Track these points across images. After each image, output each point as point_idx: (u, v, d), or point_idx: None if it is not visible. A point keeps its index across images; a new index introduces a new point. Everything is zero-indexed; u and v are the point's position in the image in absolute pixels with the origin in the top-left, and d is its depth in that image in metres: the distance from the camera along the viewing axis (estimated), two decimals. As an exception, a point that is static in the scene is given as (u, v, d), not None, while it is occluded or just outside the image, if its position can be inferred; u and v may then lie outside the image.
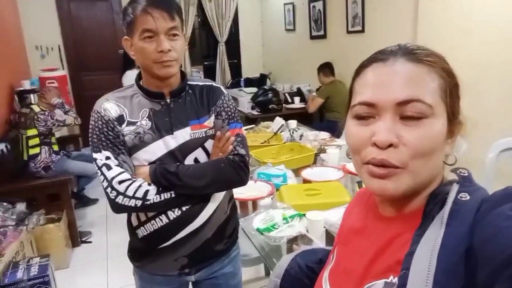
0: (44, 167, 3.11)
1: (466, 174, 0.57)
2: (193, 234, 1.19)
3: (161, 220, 1.17)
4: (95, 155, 1.11)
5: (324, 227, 1.38)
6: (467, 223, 0.48)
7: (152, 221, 1.17)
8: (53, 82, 4.34)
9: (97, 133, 1.11)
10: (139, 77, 1.20)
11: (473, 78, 2.62)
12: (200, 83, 1.25)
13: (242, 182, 1.21)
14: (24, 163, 3.13)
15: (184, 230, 1.18)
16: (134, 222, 1.22)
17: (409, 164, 0.52)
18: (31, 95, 3.95)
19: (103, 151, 1.10)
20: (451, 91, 0.55)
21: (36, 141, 3.13)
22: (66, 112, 3.36)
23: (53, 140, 3.30)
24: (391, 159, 0.52)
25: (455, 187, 0.54)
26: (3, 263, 1.96)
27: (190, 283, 1.34)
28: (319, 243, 1.33)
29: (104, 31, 5.52)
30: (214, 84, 1.27)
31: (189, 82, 1.22)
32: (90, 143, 1.13)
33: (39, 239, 2.58)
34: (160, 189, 1.10)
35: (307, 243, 1.34)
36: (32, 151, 3.12)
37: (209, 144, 1.20)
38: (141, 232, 1.20)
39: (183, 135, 1.16)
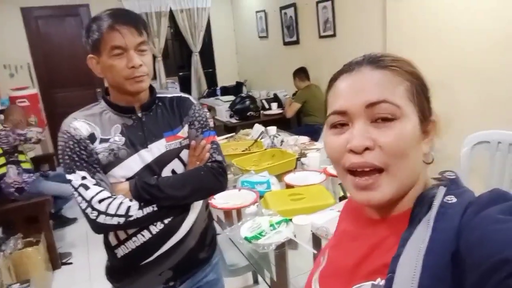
0: (17, 189, 3.01)
1: (454, 177, 0.57)
2: (177, 245, 1.18)
3: (143, 235, 1.15)
4: (69, 177, 1.07)
5: (311, 230, 1.39)
6: (453, 227, 0.48)
7: (134, 238, 1.15)
8: (24, 101, 4.24)
9: (69, 153, 1.08)
10: (105, 93, 1.18)
11: (445, 78, 2.72)
12: (169, 95, 1.25)
13: (222, 188, 1.24)
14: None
15: (168, 242, 1.17)
16: (113, 241, 1.18)
17: (389, 164, 0.53)
18: (1, 116, 3.84)
19: (77, 171, 1.07)
20: (418, 92, 0.56)
21: (2, 160, 3.05)
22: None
23: (22, 158, 3.20)
24: (371, 160, 0.53)
25: (441, 190, 0.54)
26: (-20, 293, 1.88)
27: None
28: (307, 247, 1.35)
29: (74, 46, 5.40)
30: (183, 95, 1.28)
31: (158, 95, 1.22)
32: (62, 164, 1.09)
33: (18, 264, 2.48)
34: (142, 204, 1.09)
35: (294, 248, 1.35)
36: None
37: (184, 154, 1.20)
38: (121, 251, 1.17)
39: (158, 147, 1.15)
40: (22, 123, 3.37)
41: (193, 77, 6.19)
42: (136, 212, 1.07)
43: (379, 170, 0.53)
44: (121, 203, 1.07)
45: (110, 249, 1.20)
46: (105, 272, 1.28)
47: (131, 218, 1.07)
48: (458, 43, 2.69)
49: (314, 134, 3.37)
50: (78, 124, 1.10)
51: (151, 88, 1.21)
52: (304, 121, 4.34)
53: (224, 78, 6.37)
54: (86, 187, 1.06)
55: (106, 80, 1.13)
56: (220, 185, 1.21)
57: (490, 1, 2.46)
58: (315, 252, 1.31)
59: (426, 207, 0.53)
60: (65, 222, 3.59)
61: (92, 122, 1.12)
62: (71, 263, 3.03)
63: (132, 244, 1.16)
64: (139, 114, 1.16)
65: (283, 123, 4.14)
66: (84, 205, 1.05)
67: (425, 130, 0.56)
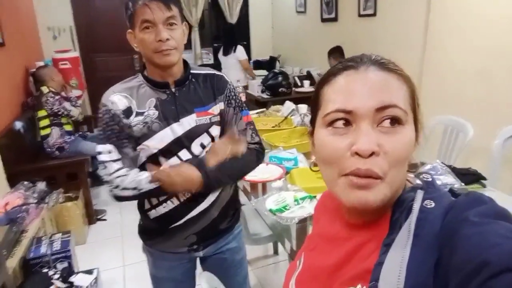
0: (58, 148, 3.21)
1: (430, 179, 0.56)
2: (202, 214, 1.28)
3: (172, 202, 1.26)
4: (98, 148, 1.19)
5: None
6: (434, 233, 0.48)
7: (164, 204, 1.26)
8: (66, 64, 4.41)
9: (103, 125, 1.19)
10: (143, 68, 1.25)
11: (485, 67, 2.64)
12: (203, 72, 1.29)
13: (259, 165, 1.35)
14: (39, 144, 3.24)
15: (194, 211, 1.27)
16: (146, 205, 1.30)
17: (388, 173, 0.52)
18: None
19: (106, 144, 1.18)
20: (416, 99, 0.56)
21: (47, 122, 3.22)
22: (74, 106, 3.40)
23: (65, 120, 3.35)
24: (375, 169, 0.51)
25: (419, 194, 0.53)
26: (27, 239, 2.08)
27: (198, 258, 1.43)
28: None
29: (115, 13, 5.52)
30: (217, 73, 1.32)
31: (193, 71, 1.27)
32: (95, 134, 1.20)
33: (58, 216, 2.70)
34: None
35: None
36: (43, 132, 3.22)
37: (213, 129, 1.26)
38: (153, 214, 1.29)
39: (189, 122, 1.21)
40: (65, 85, 3.53)
41: (221, 53, 6.19)
42: (145, 185, 1.17)
43: (376, 177, 0.52)
44: (133, 179, 1.16)
45: (143, 211, 1.32)
46: (138, 230, 1.40)
47: (142, 191, 1.17)
48: (502, 34, 2.58)
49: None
50: (116, 97, 1.18)
51: (186, 64, 1.26)
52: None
53: (258, 52, 6.35)
54: (109, 162, 1.17)
55: (141, 54, 1.20)
56: (259, 164, 1.34)
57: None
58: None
59: (405, 212, 0.52)
60: (101, 180, 3.80)
61: (130, 95, 1.20)
62: (105, 220, 3.25)
63: (162, 209, 1.27)
64: (173, 89, 1.22)
65: (314, 102, 4.13)
66: (106, 177, 1.17)
67: (416, 137, 0.56)
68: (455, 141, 2.30)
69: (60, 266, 2.08)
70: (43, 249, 2.05)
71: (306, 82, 4.68)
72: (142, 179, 1.17)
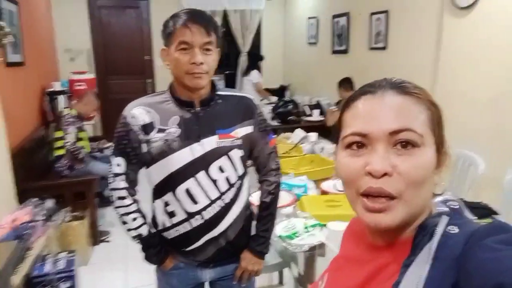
0: (69, 167, 3.23)
1: (457, 207, 0.57)
2: (213, 240, 1.27)
3: (184, 227, 1.25)
4: (110, 157, 1.24)
5: (344, 238, 1.43)
6: (454, 257, 0.48)
7: (176, 228, 1.27)
8: (81, 85, 4.51)
9: (117, 138, 1.21)
10: (171, 85, 1.26)
11: (494, 100, 2.65)
12: (231, 93, 1.31)
13: None
14: (49, 162, 3.26)
15: (205, 236, 1.26)
16: (159, 226, 1.31)
17: (404, 193, 0.52)
18: (61, 96, 4.13)
19: (117, 157, 1.22)
20: (438, 122, 0.57)
21: (61, 143, 3.21)
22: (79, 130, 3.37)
23: (80, 144, 3.33)
24: (388, 188, 0.52)
25: (444, 219, 0.54)
26: (32, 256, 2.06)
27: (207, 284, 1.41)
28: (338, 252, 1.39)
29: (132, 37, 5.71)
30: (246, 95, 1.33)
31: (219, 92, 1.27)
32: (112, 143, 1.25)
33: (63, 235, 2.69)
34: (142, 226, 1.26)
35: (321, 254, 1.41)
36: (57, 152, 3.24)
37: (234, 153, 1.25)
38: (166, 235, 1.29)
39: (210, 143, 1.21)
40: (88, 114, 3.53)
41: (239, 77, 6.32)
42: (130, 224, 1.25)
43: (392, 197, 0.53)
44: (127, 213, 1.24)
45: (157, 231, 1.32)
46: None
47: (125, 226, 1.26)
48: (509, 66, 2.61)
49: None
50: (138, 111, 1.20)
51: (213, 85, 1.27)
52: (344, 130, 4.33)
53: (269, 80, 6.45)
54: (116, 176, 1.22)
55: (171, 72, 1.21)
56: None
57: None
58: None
59: (428, 235, 0.53)
60: (106, 202, 3.80)
61: (153, 110, 1.20)
62: (108, 241, 3.22)
63: (174, 233, 1.27)
64: (198, 109, 1.22)
65: (323, 131, 4.14)
66: (109, 188, 1.24)
67: (439, 160, 0.57)
68: (466, 173, 2.28)
69: (63, 286, 2.05)
70: (48, 267, 2.03)
71: (316, 112, 4.72)
72: (136, 227, 1.25)
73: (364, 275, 0.59)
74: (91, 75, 4.92)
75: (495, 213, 1.67)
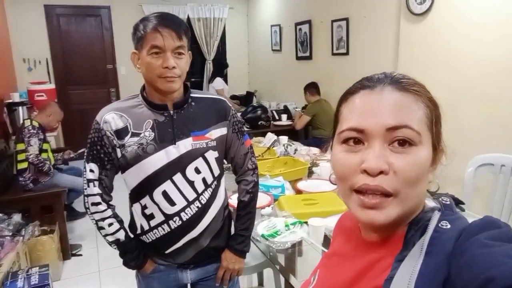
0: (33, 180, 3.10)
1: (448, 202, 0.57)
2: (193, 241, 1.28)
3: (163, 229, 1.26)
4: (84, 164, 1.23)
5: (325, 232, 1.50)
6: (446, 252, 0.49)
7: (155, 231, 1.27)
8: (42, 95, 4.35)
9: (90, 144, 1.21)
10: (143, 89, 1.25)
11: (452, 102, 2.84)
12: (205, 96, 1.31)
13: None
14: (11, 175, 3.11)
15: (185, 237, 1.27)
16: (138, 230, 1.30)
17: (400, 191, 0.52)
18: (20, 108, 3.96)
19: (90, 163, 1.21)
20: (436, 119, 0.57)
21: (24, 156, 3.05)
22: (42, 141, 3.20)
23: (44, 156, 3.19)
24: (384, 185, 0.52)
25: (436, 215, 0.54)
26: (1, 273, 1.97)
27: (189, 285, 1.42)
28: (320, 247, 1.45)
29: (93, 46, 5.58)
30: (219, 97, 1.35)
31: (192, 95, 1.28)
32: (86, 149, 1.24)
33: (32, 251, 2.57)
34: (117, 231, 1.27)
35: (299, 255, 1.47)
36: (20, 166, 3.09)
37: (209, 154, 1.26)
38: (145, 239, 1.30)
39: (185, 145, 1.22)
40: (52, 126, 3.40)
41: (205, 84, 6.34)
42: (106, 230, 1.25)
43: (388, 195, 0.53)
44: (102, 219, 1.24)
45: (135, 235, 1.32)
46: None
47: (101, 231, 1.26)
48: (465, 69, 2.83)
49: (321, 147, 3.49)
50: (110, 116, 1.19)
51: (186, 87, 1.27)
52: (312, 134, 4.46)
53: (236, 87, 6.52)
54: (89, 181, 1.21)
55: (143, 75, 1.21)
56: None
57: (495, 33, 2.61)
58: (326, 250, 1.42)
59: (420, 231, 0.54)
60: (75, 215, 3.68)
61: (126, 114, 1.20)
62: (80, 255, 3.11)
63: (153, 236, 1.28)
64: (171, 112, 1.22)
65: (292, 135, 4.25)
66: (84, 194, 1.24)
67: (434, 158, 0.57)
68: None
69: (37, 302, 1.97)
70: (20, 283, 1.94)
71: (284, 116, 4.83)
72: (113, 233, 1.25)
73: (355, 270, 0.59)
74: (51, 85, 4.75)
75: (462, 202, 1.81)
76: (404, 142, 0.53)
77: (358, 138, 0.55)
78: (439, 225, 0.52)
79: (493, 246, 0.44)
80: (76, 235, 3.39)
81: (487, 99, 2.72)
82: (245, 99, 5.97)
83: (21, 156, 3.09)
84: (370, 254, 0.59)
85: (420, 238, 0.52)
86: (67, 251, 3.02)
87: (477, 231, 0.48)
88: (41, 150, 3.14)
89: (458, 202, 1.77)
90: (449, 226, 0.52)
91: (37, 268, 2.11)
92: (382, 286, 0.51)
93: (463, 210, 1.76)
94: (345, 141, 0.57)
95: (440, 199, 0.58)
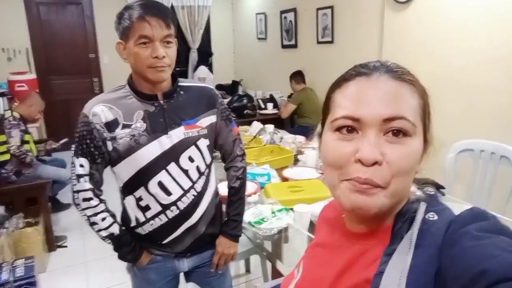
0: (15, 172, 3.05)
1: (433, 193, 0.57)
2: (190, 229, 1.29)
3: (160, 219, 1.25)
4: (73, 159, 1.19)
5: (310, 219, 1.52)
6: (436, 245, 0.49)
7: (151, 221, 1.26)
8: (22, 86, 4.26)
9: (79, 138, 1.17)
10: (130, 79, 1.22)
11: (433, 89, 2.89)
12: (193, 84, 1.30)
13: None
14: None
15: (182, 226, 1.27)
16: (132, 223, 1.28)
17: (391, 183, 0.52)
18: (0, 98, 3.87)
19: (80, 158, 1.18)
20: (428, 111, 0.57)
21: (5, 148, 3.01)
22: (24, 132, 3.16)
23: (27, 147, 3.13)
24: (375, 178, 0.51)
25: (422, 206, 0.54)
26: (-14, 266, 1.95)
27: (182, 274, 1.43)
28: (306, 232, 1.48)
29: (74, 35, 5.46)
30: (206, 85, 1.34)
31: (181, 84, 1.26)
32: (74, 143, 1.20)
33: (17, 243, 2.54)
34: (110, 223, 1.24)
35: (285, 241, 1.49)
36: (1, 158, 3.01)
37: (201, 142, 1.26)
38: (140, 231, 1.28)
39: (177, 134, 1.21)
40: (33, 116, 3.33)
41: (190, 74, 6.28)
42: (99, 225, 1.22)
43: (378, 186, 0.52)
44: (95, 214, 1.21)
45: (129, 229, 1.29)
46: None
47: (94, 227, 1.23)
48: (447, 57, 2.88)
49: (307, 135, 3.52)
50: (99, 109, 1.15)
51: (174, 77, 1.25)
52: (297, 122, 4.48)
53: (220, 77, 6.48)
54: (79, 177, 1.18)
55: (130, 66, 1.19)
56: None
57: (478, 21, 2.65)
58: (312, 236, 1.45)
59: (407, 223, 0.53)
60: (60, 207, 3.64)
61: (115, 106, 1.17)
62: (66, 246, 3.09)
63: (149, 227, 1.26)
64: (162, 102, 1.21)
65: (278, 123, 4.27)
66: (73, 190, 1.20)
67: (424, 149, 0.56)
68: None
69: (24, 294, 1.96)
70: (5, 275, 1.93)
71: (270, 105, 4.84)
72: (107, 227, 1.22)
73: (341, 263, 0.58)
74: (32, 76, 4.64)
75: (442, 187, 1.86)
76: (399, 132, 0.52)
77: (352, 127, 0.54)
78: (427, 216, 0.52)
79: (483, 238, 0.44)
80: (61, 227, 3.36)
81: (469, 87, 2.77)
82: (231, 88, 5.95)
83: (2, 148, 3.03)
84: (356, 246, 0.58)
85: (408, 231, 0.52)
86: (52, 243, 2.99)
87: (466, 223, 0.48)
88: (23, 142, 3.09)
89: (438, 187, 1.82)
90: (436, 217, 0.52)
91: (23, 260, 2.10)
92: (371, 280, 0.51)
93: (443, 194, 1.80)
94: (338, 129, 0.55)
95: (425, 189, 0.58)
